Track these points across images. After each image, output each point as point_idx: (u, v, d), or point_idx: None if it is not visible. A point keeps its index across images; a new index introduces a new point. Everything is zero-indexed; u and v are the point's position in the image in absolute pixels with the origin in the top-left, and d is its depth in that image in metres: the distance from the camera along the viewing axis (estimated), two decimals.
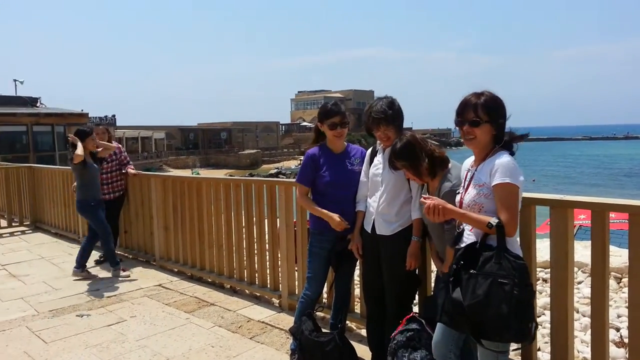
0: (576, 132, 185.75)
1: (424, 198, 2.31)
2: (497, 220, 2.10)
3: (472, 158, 2.39)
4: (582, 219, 8.33)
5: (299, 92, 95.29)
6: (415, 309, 3.47)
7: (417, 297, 3.32)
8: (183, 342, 3.76)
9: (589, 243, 2.71)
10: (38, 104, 30.22)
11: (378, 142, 3.08)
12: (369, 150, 3.20)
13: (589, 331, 2.95)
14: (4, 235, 8.06)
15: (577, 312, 4.14)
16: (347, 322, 3.90)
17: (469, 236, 2.28)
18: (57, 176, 7.89)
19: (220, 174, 44.25)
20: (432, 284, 3.19)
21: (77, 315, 4.35)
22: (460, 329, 2.23)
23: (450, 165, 2.71)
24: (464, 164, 2.48)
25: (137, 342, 3.78)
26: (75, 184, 6.33)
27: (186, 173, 40.53)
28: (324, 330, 3.26)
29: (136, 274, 5.62)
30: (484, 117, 2.21)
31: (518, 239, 2.34)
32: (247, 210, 4.64)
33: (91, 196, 5.50)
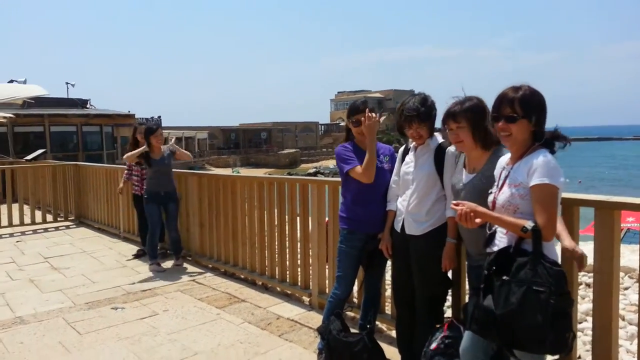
0: (626, 132, 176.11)
1: (455, 204, 2.18)
2: (532, 224, 1.96)
3: (508, 156, 2.25)
4: (631, 221, 7.90)
5: (338, 92, 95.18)
6: (448, 312, 3.35)
7: (450, 299, 3.20)
8: (212, 337, 3.77)
9: (637, 247, 2.52)
10: (88, 105, 31.47)
11: (410, 140, 2.98)
12: (401, 149, 3.10)
13: (636, 340, 2.74)
14: (49, 230, 8.38)
15: (623, 319, 3.89)
16: (378, 323, 3.81)
17: (502, 239, 2.15)
18: (101, 174, 8.14)
19: (259, 172, 44.82)
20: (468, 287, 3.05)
21: (112, 308, 4.44)
22: (490, 339, 2.10)
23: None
24: (498, 162, 2.33)
25: (168, 335, 3.81)
26: (121, 185, 6.56)
27: (227, 172, 41.13)
28: (353, 330, 3.19)
29: (172, 269, 5.70)
30: (520, 112, 2.06)
31: (557, 244, 2.17)
32: (280, 209, 4.62)
33: (146, 190, 5.73)
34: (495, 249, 2.14)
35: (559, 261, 2.06)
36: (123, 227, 7.45)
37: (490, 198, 2.24)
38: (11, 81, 23.10)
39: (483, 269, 2.08)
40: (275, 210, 4.68)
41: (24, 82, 22.96)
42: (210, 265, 5.69)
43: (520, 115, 2.06)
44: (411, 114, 2.79)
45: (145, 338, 3.77)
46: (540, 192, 1.99)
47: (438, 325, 2.75)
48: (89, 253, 6.64)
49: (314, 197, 4.19)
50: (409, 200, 2.89)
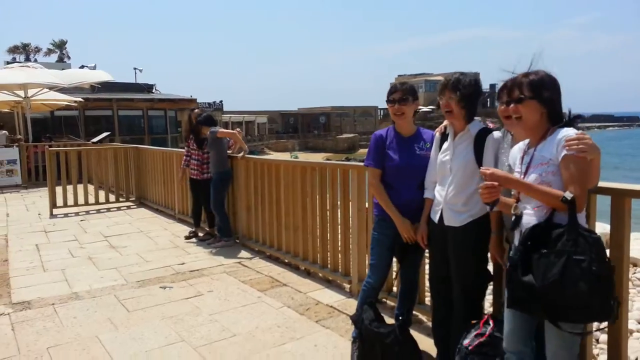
0: None
1: (485, 169, 2.16)
2: (572, 195, 1.95)
3: (520, 145, 2.26)
4: None
5: (398, 75, 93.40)
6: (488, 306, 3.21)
7: (491, 295, 3.07)
8: (251, 320, 3.83)
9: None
10: (153, 90, 32.76)
11: (448, 124, 2.84)
12: (438, 134, 2.95)
13: None
14: (111, 210, 8.85)
15: None
16: (418, 314, 3.73)
17: (530, 218, 2.11)
18: (158, 156, 8.47)
19: (317, 157, 45.05)
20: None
21: (160, 287, 4.62)
22: (533, 314, 2.09)
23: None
24: (511, 151, 2.33)
25: (210, 316, 3.91)
26: (180, 175, 6.76)
27: (285, 156, 41.78)
28: (390, 320, 3.13)
29: (220, 251, 5.85)
30: (528, 93, 2.11)
31: (584, 216, 2.15)
32: (321, 194, 4.60)
33: (211, 171, 6.06)
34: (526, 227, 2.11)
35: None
36: (178, 209, 7.73)
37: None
38: (82, 67, 24.47)
39: (518, 245, 2.06)
40: (318, 196, 4.67)
41: (94, 67, 24.30)
42: (256, 249, 5.79)
43: (528, 96, 2.11)
44: (445, 82, 2.68)
45: (188, 317, 3.89)
46: (573, 162, 2.00)
47: (474, 322, 2.63)
48: (145, 233, 6.94)
49: (354, 182, 4.13)
50: (447, 190, 2.76)
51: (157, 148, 9.26)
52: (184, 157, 6.59)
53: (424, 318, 3.73)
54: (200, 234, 6.46)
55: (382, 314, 3.04)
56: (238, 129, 6.42)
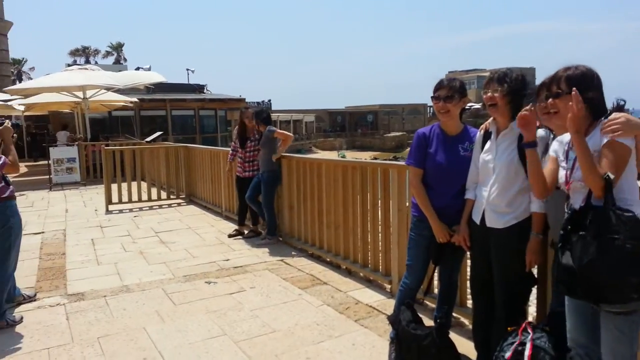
0: None
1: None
2: (612, 176, 1.97)
3: (565, 138, 2.25)
4: None
5: (449, 72, 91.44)
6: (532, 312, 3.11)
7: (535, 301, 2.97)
8: (291, 317, 3.89)
9: None
10: (204, 91, 33.68)
11: (491, 122, 2.77)
12: (480, 133, 2.88)
13: None
14: (163, 206, 9.19)
15: None
16: (459, 316, 3.66)
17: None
18: (206, 155, 8.71)
19: (364, 155, 44.89)
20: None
21: (205, 282, 4.77)
22: (577, 296, 2.09)
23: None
24: (552, 145, 2.36)
25: (251, 311, 4.00)
26: (228, 167, 6.95)
27: (332, 155, 41.87)
28: (428, 321, 3.09)
29: (263, 248, 5.96)
30: (565, 88, 2.12)
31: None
32: (362, 193, 4.59)
33: (262, 169, 6.10)
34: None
35: None
36: (225, 206, 7.93)
37: (562, 175, 2.22)
38: (137, 68, 25.51)
39: (560, 229, 2.09)
40: (359, 195, 4.67)
41: (149, 69, 25.27)
42: (298, 247, 5.85)
43: (565, 91, 2.11)
44: (490, 75, 2.63)
45: (230, 312, 4.00)
46: (613, 149, 2.00)
47: (512, 328, 2.51)
48: (193, 229, 7.16)
49: (394, 182, 4.11)
50: (490, 191, 2.69)
51: (206, 147, 9.53)
52: (230, 152, 6.79)
53: (465, 321, 3.65)
54: (245, 232, 6.61)
55: (422, 316, 3.02)
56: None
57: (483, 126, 2.86)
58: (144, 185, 9.77)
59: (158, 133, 13.04)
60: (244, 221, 6.70)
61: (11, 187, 3.88)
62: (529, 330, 2.41)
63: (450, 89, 2.91)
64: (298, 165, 5.72)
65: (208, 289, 4.57)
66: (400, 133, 64.17)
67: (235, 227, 6.84)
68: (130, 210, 8.85)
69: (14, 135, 4.39)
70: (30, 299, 4.33)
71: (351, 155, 43.71)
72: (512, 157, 2.60)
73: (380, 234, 4.50)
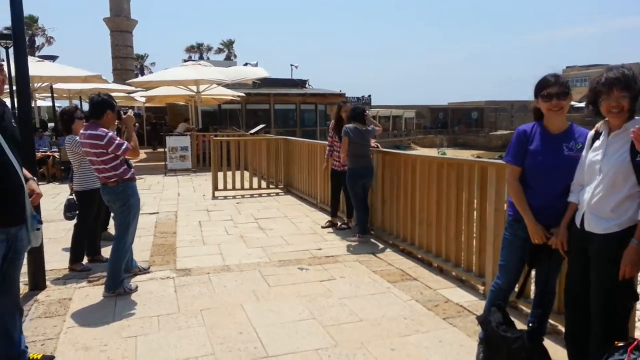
0: None
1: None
2: None
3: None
4: None
5: (567, 67, 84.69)
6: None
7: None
8: (379, 308, 3.94)
9: None
10: (306, 86, 34.54)
11: (602, 122, 2.59)
12: (590, 133, 2.70)
13: None
14: (262, 195, 9.66)
15: None
16: (557, 324, 3.49)
17: None
18: (304, 148, 9.00)
19: (466, 154, 43.23)
20: None
21: (298, 268, 4.98)
22: None
23: None
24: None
25: (340, 299, 4.12)
26: (325, 164, 7.03)
27: (432, 152, 40.86)
28: (521, 325, 2.99)
29: (355, 241, 6.05)
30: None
31: None
32: (457, 191, 4.51)
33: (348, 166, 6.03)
34: None
35: None
36: (320, 198, 8.15)
37: None
38: (246, 64, 26.82)
39: None
40: (454, 193, 4.58)
41: (256, 64, 26.44)
42: (390, 242, 5.87)
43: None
44: (614, 76, 2.41)
45: (320, 298, 4.15)
46: None
47: (621, 344, 2.30)
48: (290, 218, 7.46)
49: (492, 180, 3.98)
50: (593, 192, 2.53)
51: (303, 140, 9.83)
52: (327, 148, 6.90)
53: (562, 328, 3.46)
54: (338, 223, 6.75)
55: (514, 320, 2.93)
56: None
57: (596, 126, 2.68)
58: (246, 174, 10.32)
59: (261, 125, 13.68)
60: (337, 213, 6.85)
61: (132, 170, 4.35)
62: None
63: (562, 86, 2.78)
64: (392, 161, 5.74)
65: (300, 275, 4.77)
66: (508, 131, 60.74)
67: (329, 218, 7.01)
68: (234, 197, 9.41)
69: (136, 124, 4.90)
70: (145, 271, 4.83)
71: (452, 154, 42.29)
72: (623, 159, 2.42)
73: (475, 234, 4.39)
